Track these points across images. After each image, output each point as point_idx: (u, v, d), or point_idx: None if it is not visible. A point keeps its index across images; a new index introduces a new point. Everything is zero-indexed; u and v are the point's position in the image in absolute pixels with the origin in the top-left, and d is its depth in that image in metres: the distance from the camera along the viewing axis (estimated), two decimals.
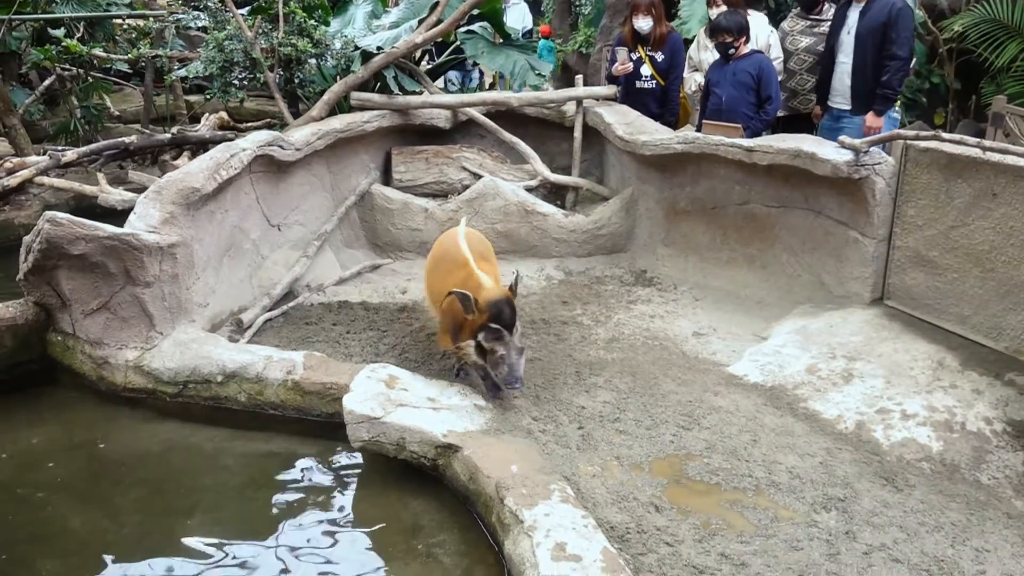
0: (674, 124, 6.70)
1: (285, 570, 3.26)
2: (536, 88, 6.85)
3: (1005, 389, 4.06)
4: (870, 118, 5.84)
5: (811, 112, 6.45)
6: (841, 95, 6.08)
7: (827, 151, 4.84)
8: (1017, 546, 3.21)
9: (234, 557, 3.33)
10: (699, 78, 6.61)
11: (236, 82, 6.60)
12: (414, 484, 3.75)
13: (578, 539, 3.03)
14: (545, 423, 3.99)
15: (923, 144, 4.66)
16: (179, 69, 7.91)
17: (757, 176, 5.37)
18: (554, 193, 6.50)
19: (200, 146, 6.84)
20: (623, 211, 6.25)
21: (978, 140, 4.55)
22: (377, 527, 3.52)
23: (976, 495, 3.54)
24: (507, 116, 6.71)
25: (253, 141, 5.23)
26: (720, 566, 3.07)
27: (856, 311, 4.89)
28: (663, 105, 6.65)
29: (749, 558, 3.12)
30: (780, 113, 6.37)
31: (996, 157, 4.32)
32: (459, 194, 6.24)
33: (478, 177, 6.27)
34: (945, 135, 4.58)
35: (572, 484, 3.45)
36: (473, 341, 3.96)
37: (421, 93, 6.57)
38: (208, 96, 7.58)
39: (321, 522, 3.56)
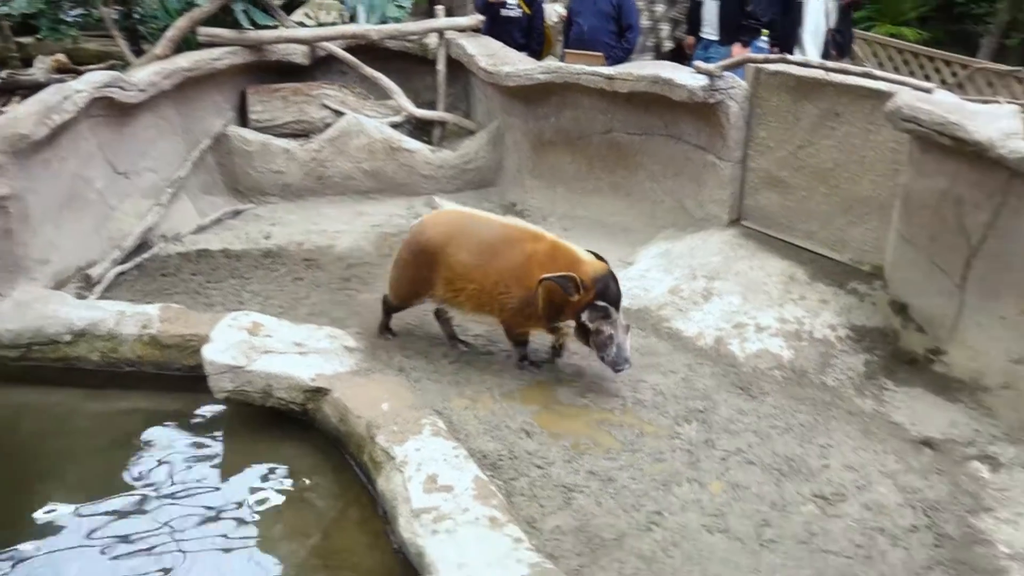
0: (539, 54, 6.67)
1: (157, 526, 3.15)
2: (397, 20, 6.65)
3: (848, 298, 4.33)
4: (736, 48, 5.98)
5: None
6: (710, 25, 6.20)
7: (683, 77, 4.93)
8: (858, 440, 3.46)
9: (95, 518, 3.19)
10: (560, 8, 6.58)
11: (67, 18, 6.07)
12: (283, 431, 3.67)
13: (450, 470, 3.06)
14: (417, 360, 3.98)
15: (772, 67, 4.81)
16: (1, 6, 7.22)
17: (619, 105, 5.42)
18: (420, 129, 6.38)
19: (34, 91, 6.30)
20: (490, 145, 6.21)
21: (821, 61, 4.74)
22: (247, 476, 3.44)
23: (822, 397, 3.79)
24: (369, 51, 6.48)
25: (88, 82, 4.85)
26: (588, 483, 3.18)
27: (715, 233, 5.07)
28: (528, 35, 6.60)
29: (616, 473, 3.24)
30: (669, 45, 6.44)
31: (838, 78, 4.51)
32: (321, 133, 6.03)
33: (340, 115, 6.07)
34: (791, 57, 4.74)
35: (444, 418, 3.47)
36: (575, 322, 3.60)
37: (276, 28, 6.26)
38: (40, 36, 6.97)
39: (188, 476, 3.45)
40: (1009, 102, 4.60)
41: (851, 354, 4.04)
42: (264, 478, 3.44)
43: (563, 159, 5.89)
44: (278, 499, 3.33)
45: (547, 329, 3.76)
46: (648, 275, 4.77)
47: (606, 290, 3.53)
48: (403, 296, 4.08)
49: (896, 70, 8.96)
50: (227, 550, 3.06)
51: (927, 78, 8.53)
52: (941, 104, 3.89)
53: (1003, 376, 3.78)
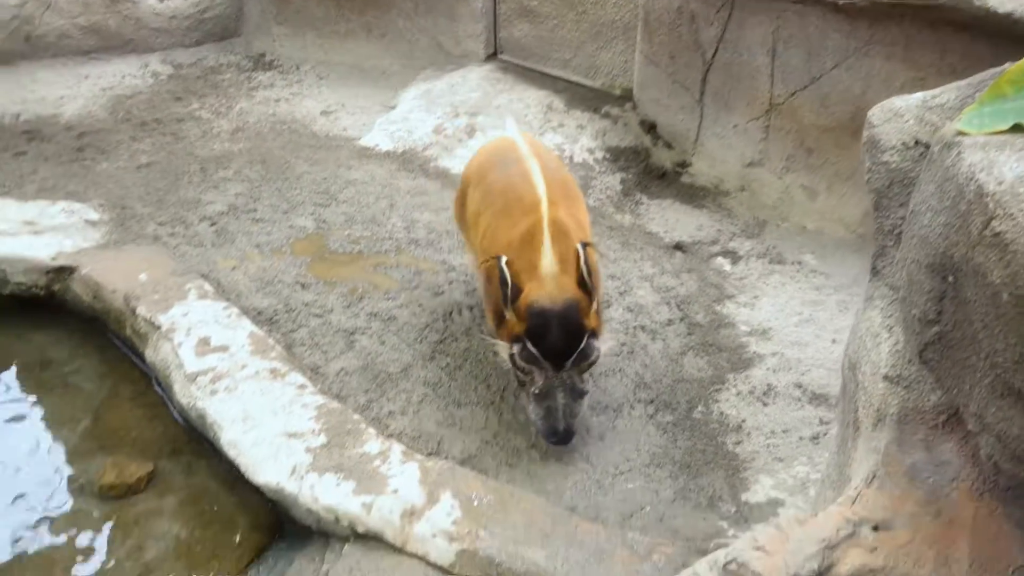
0: None
1: None
2: None
3: (603, 121, 4.52)
4: None
5: None
6: None
7: None
8: (618, 251, 3.71)
9: None
10: None
11: None
12: (31, 319, 3.33)
13: (222, 330, 2.94)
14: (173, 226, 3.71)
15: None
16: None
17: None
18: None
19: None
20: None
21: None
22: None
23: None
24: None
25: None
26: (370, 324, 3.19)
27: (474, 69, 5.04)
28: None
29: (397, 311, 3.27)
30: None
31: None
32: None
33: None
34: None
35: (211, 281, 3.29)
36: (509, 346, 2.49)
37: None
38: None
39: None
40: None
41: (609, 174, 4.26)
42: (18, 373, 3.14)
43: (310, 2, 5.52)
44: (36, 391, 3.06)
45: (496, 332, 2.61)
46: (411, 117, 4.69)
47: (538, 334, 2.39)
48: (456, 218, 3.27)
49: None
50: None
51: None
52: None
53: (739, 180, 4.17)
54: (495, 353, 2.66)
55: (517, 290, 2.42)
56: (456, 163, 4.30)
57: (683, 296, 3.46)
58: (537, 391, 2.47)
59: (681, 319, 3.33)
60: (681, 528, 2.32)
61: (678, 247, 3.84)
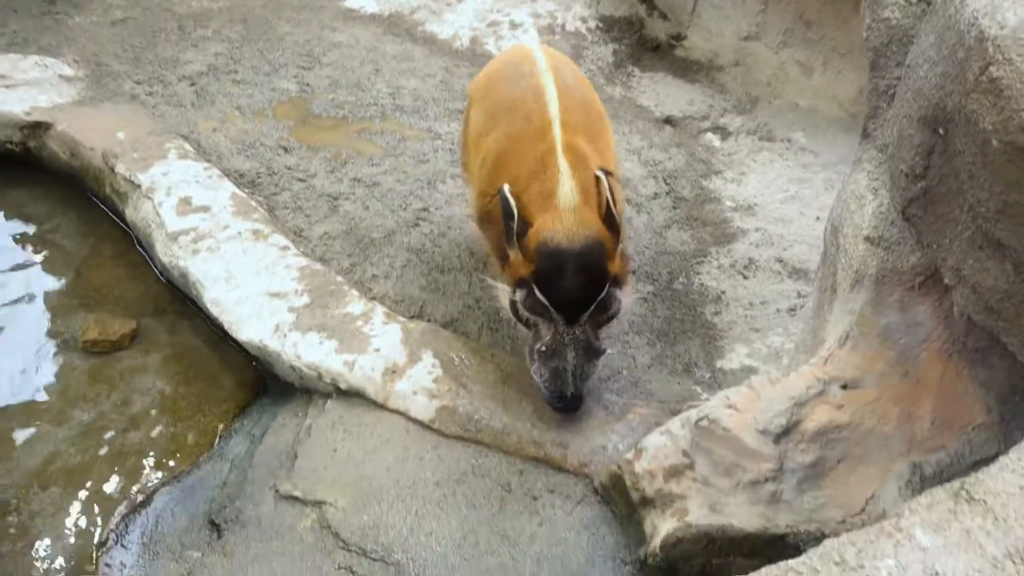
0: None
1: None
2: None
3: None
4: None
5: None
6: None
7: None
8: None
9: None
10: None
11: None
12: (8, 176, 3.27)
13: (203, 191, 2.91)
14: (151, 85, 3.60)
15: None
16: None
17: None
18: None
19: None
20: None
21: None
22: None
23: None
24: None
25: None
26: (354, 190, 3.15)
27: None
28: None
29: (381, 177, 3.23)
30: None
31: None
32: None
33: None
34: None
35: (191, 141, 3.23)
36: (511, 291, 2.09)
37: None
38: None
39: None
40: None
41: (601, 44, 4.14)
42: None
43: None
44: (15, 248, 3.04)
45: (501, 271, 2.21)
46: None
47: (550, 278, 1.97)
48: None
49: None
50: None
51: None
52: None
53: (733, 54, 4.06)
54: (495, 299, 2.26)
55: (525, 224, 1.98)
56: (445, 28, 4.17)
57: (670, 171, 3.43)
58: (543, 348, 2.01)
59: (667, 193, 3.31)
60: (656, 392, 2.38)
61: (668, 121, 3.78)
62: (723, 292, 2.80)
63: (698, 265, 2.93)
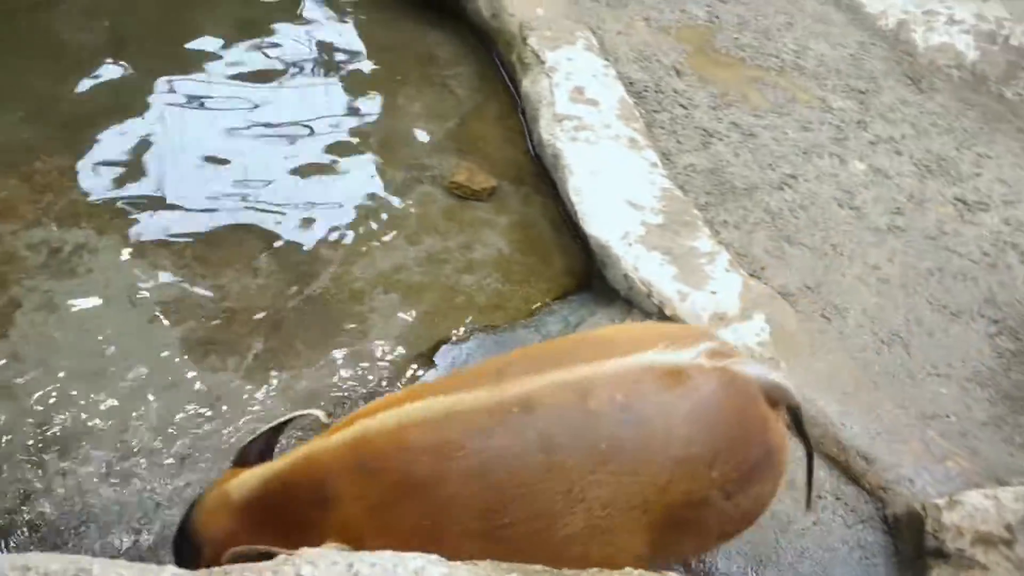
0: None
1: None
2: None
3: None
4: None
5: None
6: None
7: None
8: (1019, 157, 3.26)
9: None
10: None
11: None
12: (432, 17, 3.61)
13: (597, 86, 3.01)
14: None
15: None
16: None
17: None
18: None
19: None
20: None
21: None
22: (390, 53, 3.45)
23: (996, 107, 3.51)
24: None
25: None
26: (730, 133, 3.11)
27: None
28: None
29: (759, 131, 3.15)
30: None
31: None
32: None
33: None
34: None
35: (597, 36, 3.34)
36: None
37: None
38: None
39: (327, 44, 3.47)
40: None
41: None
42: (407, 56, 3.45)
43: None
44: (419, 79, 3.37)
45: None
46: None
47: None
48: None
49: None
50: (364, 131, 3.16)
51: None
52: None
53: None
54: None
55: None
56: (875, 2, 3.89)
57: None
58: None
59: None
60: (982, 452, 2.17)
61: None
62: None
63: None
